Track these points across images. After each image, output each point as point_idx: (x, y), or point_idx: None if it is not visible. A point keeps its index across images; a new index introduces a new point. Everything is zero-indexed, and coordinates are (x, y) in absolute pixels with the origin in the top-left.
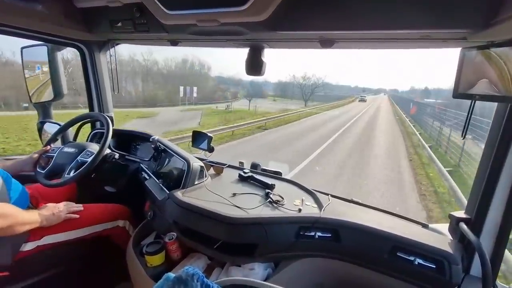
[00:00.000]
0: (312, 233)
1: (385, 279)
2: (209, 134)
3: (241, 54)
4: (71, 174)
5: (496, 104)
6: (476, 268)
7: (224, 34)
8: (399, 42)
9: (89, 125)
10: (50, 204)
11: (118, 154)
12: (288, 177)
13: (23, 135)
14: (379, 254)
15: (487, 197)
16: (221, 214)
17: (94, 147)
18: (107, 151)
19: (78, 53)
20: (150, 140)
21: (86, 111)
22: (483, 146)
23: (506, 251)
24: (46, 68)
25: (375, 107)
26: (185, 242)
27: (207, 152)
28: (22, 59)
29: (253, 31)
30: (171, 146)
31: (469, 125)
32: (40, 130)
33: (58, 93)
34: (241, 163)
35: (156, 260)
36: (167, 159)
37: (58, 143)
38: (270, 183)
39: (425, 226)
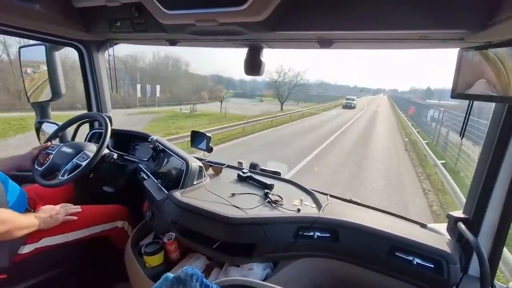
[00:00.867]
0: (311, 233)
1: (383, 279)
2: (208, 134)
3: (231, 51)
4: (65, 176)
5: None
6: (474, 268)
7: (223, 34)
8: (398, 43)
9: (88, 124)
10: (47, 207)
11: (116, 154)
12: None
13: None
14: (377, 254)
15: (485, 197)
16: (220, 214)
17: (92, 149)
18: (106, 151)
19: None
20: (149, 140)
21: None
22: None
23: (505, 250)
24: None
25: (370, 112)
26: (184, 242)
27: (206, 152)
28: (19, 59)
29: (252, 31)
30: (170, 146)
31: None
32: (38, 130)
33: (56, 93)
34: (240, 163)
35: (154, 260)
36: (166, 159)
37: (57, 141)
38: (269, 183)
39: (423, 226)
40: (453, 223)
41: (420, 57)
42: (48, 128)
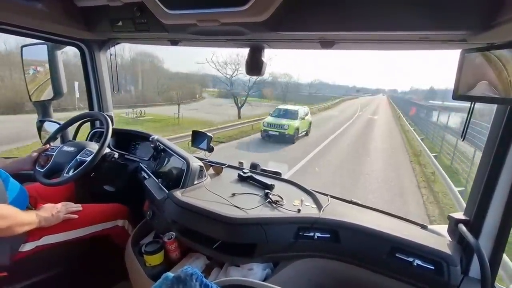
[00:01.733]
0: (311, 234)
1: (383, 280)
2: (208, 134)
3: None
4: (70, 173)
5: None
6: (474, 270)
7: (224, 34)
8: (399, 44)
9: (88, 124)
10: (48, 205)
11: (117, 154)
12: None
13: None
14: (378, 255)
15: (486, 198)
16: (220, 214)
17: (94, 147)
18: (107, 150)
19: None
20: (150, 139)
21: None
22: None
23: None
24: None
25: (362, 124)
26: (184, 241)
27: (206, 152)
28: (22, 58)
29: (253, 31)
30: (171, 146)
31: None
32: (39, 129)
33: (58, 92)
34: (241, 163)
35: (155, 259)
36: (167, 159)
37: (58, 142)
38: (269, 183)
39: (424, 227)
40: (454, 224)
41: (421, 57)
42: (50, 127)
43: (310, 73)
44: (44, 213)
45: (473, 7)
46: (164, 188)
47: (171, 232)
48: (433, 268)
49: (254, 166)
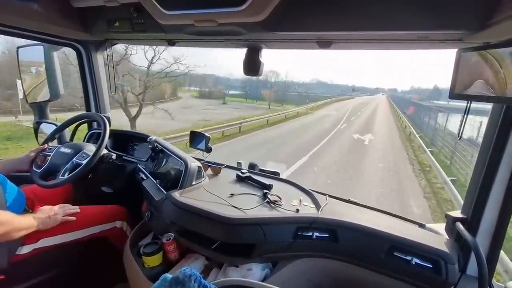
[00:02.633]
0: (310, 233)
1: (382, 279)
2: (206, 134)
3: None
4: (66, 176)
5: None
6: (472, 268)
7: (222, 34)
8: (397, 43)
9: (86, 125)
10: (46, 207)
11: (115, 155)
12: None
13: None
14: (376, 254)
15: (483, 197)
16: (219, 215)
17: (91, 148)
18: (104, 151)
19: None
20: (148, 140)
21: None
22: None
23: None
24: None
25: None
26: (183, 242)
27: (204, 153)
28: (18, 59)
29: (251, 31)
30: (169, 147)
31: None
32: (36, 130)
33: (54, 94)
34: (239, 163)
35: (153, 261)
36: (165, 160)
37: (55, 143)
38: (267, 183)
39: (421, 225)
40: (451, 223)
41: (420, 56)
42: (47, 129)
43: (307, 73)
44: (42, 216)
45: (470, 6)
46: (162, 189)
47: (169, 233)
48: (431, 266)
49: (252, 166)
